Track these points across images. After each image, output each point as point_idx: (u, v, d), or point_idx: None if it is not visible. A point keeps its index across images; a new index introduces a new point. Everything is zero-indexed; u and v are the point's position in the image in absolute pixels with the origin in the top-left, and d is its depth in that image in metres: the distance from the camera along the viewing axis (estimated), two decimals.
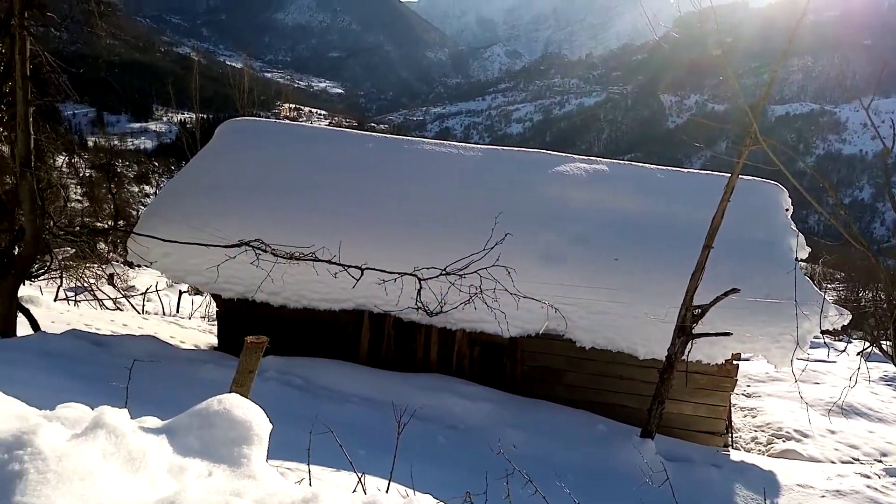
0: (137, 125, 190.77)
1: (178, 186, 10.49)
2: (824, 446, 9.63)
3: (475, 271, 7.24)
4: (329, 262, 7.55)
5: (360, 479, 3.06)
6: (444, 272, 7.34)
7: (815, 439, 9.83)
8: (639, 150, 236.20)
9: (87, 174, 40.25)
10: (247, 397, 2.40)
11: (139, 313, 17.12)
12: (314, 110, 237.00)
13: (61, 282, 18.79)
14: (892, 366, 10.39)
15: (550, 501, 3.83)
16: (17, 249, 8.81)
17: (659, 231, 9.18)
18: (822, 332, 9.48)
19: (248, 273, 8.29)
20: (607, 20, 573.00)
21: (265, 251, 7.80)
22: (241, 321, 9.67)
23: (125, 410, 1.85)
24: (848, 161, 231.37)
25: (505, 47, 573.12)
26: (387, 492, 3.86)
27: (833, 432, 10.07)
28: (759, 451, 9.75)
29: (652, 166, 10.76)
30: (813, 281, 9.61)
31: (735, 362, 8.83)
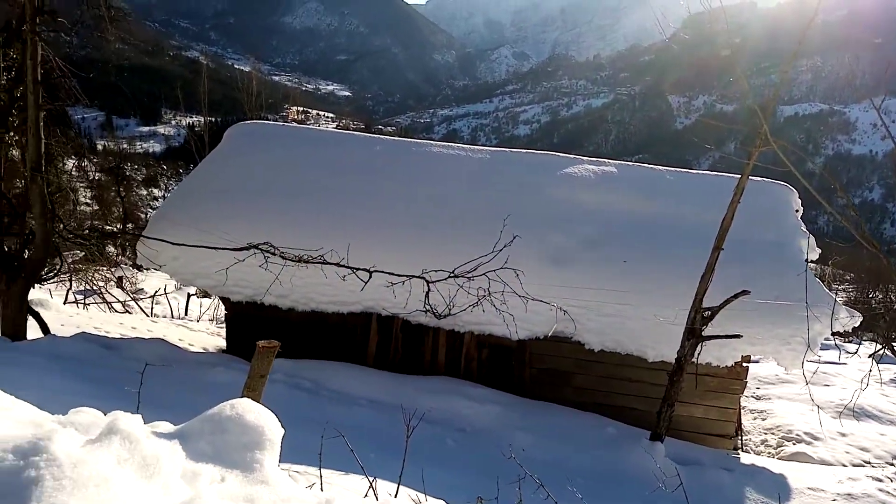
0: (146, 129, 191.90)
1: (188, 190, 10.54)
2: (835, 449, 9.56)
3: (483, 273, 7.23)
4: (337, 264, 7.55)
5: (371, 484, 3.05)
6: (452, 274, 7.32)
7: (825, 442, 9.76)
8: (647, 151, 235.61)
9: (97, 177, 40.46)
10: (258, 402, 2.40)
11: (148, 316, 17.19)
12: (322, 113, 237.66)
13: (70, 285, 18.89)
14: None
15: None
16: (26, 253, 8.86)
17: (668, 233, 9.15)
18: (833, 334, 9.42)
19: (257, 276, 8.31)
20: (615, 21, 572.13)
21: (274, 254, 7.82)
22: (249, 324, 9.69)
23: (139, 416, 1.85)
24: (858, 161, 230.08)
25: (512, 49, 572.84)
26: (396, 495, 3.85)
27: (844, 435, 9.98)
28: (770, 453, 9.68)
29: (661, 168, 10.73)
30: (822, 282, 9.55)
31: (745, 364, 8.78)
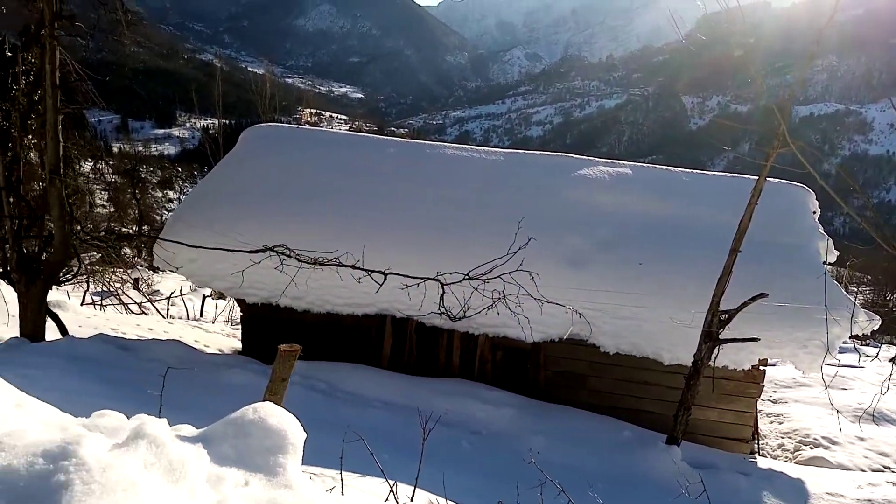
0: (161, 131, 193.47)
1: (204, 192, 10.60)
2: (853, 454, 9.45)
3: (499, 276, 7.21)
4: (353, 266, 7.56)
5: (392, 488, 3.05)
6: (467, 277, 7.30)
7: (843, 446, 9.65)
8: (660, 151, 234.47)
9: (113, 180, 40.83)
10: (280, 405, 2.41)
11: (164, 317, 17.32)
12: (335, 115, 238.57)
13: (88, 286, 19.07)
14: None
15: None
16: (45, 255, 8.95)
17: (684, 235, 9.09)
18: (851, 337, 9.33)
19: (273, 278, 8.34)
20: (627, 22, 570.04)
21: (289, 256, 7.84)
22: (265, 326, 9.74)
23: (164, 420, 1.87)
24: (874, 162, 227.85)
25: (525, 50, 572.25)
26: (412, 498, 3.85)
27: (862, 439, 9.87)
28: (786, 458, 9.59)
29: (676, 169, 10.66)
30: (839, 284, 9.46)
31: (762, 368, 8.71)
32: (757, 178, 7.10)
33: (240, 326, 12.52)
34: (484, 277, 7.20)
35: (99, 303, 18.15)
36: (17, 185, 9.09)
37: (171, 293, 21.66)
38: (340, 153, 10.70)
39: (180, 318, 18.42)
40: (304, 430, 2.25)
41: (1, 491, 1.34)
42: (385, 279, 7.39)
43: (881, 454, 9.46)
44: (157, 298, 20.97)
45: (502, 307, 7.43)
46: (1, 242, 9.30)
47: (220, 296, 19.15)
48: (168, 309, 19.80)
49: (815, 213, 9.72)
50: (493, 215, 9.25)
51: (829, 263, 9.35)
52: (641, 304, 8.42)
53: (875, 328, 8.35)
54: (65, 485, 1.40)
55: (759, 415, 10.33)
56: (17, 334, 8.60)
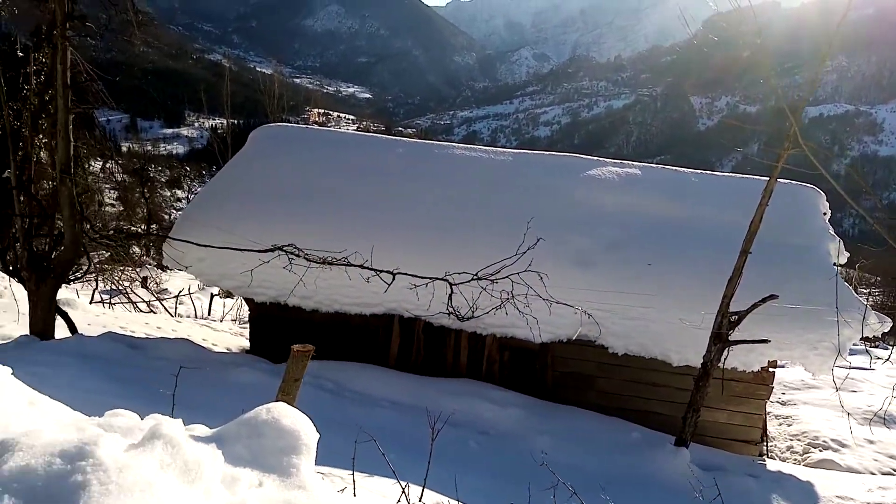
0: (170, 131, 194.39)
1: (213, 191, 10.64)
2: (863, 457, 9.38)
3: (507, 276, 7.20)
4: (361, 266, 7.57)
5: (403, 490, 3.04)
6: (475, 277, 7.31)
7: (853, 449, 9.58)
8: (669, 152, 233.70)
9: (122, 179, 41.06)
10: (293, 405, 2.41)
11: (172, 316, 17.38)
12: (343, 115, 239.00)
13: (97, 285, 19.18)
14: None
15: None
16: (55, 253, 9.00)
17: (693, 236, 9.06)
18: (861, 339, 9.28)
19: (281, 277, 8.36)
20: (636, 22, 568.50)
21: (298, 256, 7.86)
22: (273, 325, 9.76)
23: (180, 420, 1.87)
24: (885, 163, 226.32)
25: (532, 50, 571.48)
26: (421, 499, 3.85)
27: (872, 442, 9.80)
28: (795, 460, 9.54)
29: (685, 170, 10.63)
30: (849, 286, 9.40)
31: (771, 370, 8.67)
32: (765, 178, 7.06)
33: (247, 325, 12.56)
34: (492, 277, 7.20)
35: (108, 301, 18.24)
36: (29, 184, 9.15)
37: (180, 292, 21.74)
38: (349, 153, 10.71)
39: (188, 316, 18.49)
40: (317, 431, 2.26)
41: (19, 491, 1.35)
42: (394, 279, 7.40)
43: (891, 457, 9.39)
44: (166, 297, 21.06)
45: (510, 307, 7.42)
46: (12, 241, 9.36)
47: (228, 294, 19.20)
48: (176, 307, 19.87)
49: (825, 214, 9.67)
50: (502, 215, 9.25)
51: (840, 265, 9.30)
52: (650, 305, 8.39)
53: (886, 330, 8.30)
54: (82, 485, 1.41)
55: (767, 416, 10.28)
56: (27, 332, 8.66)
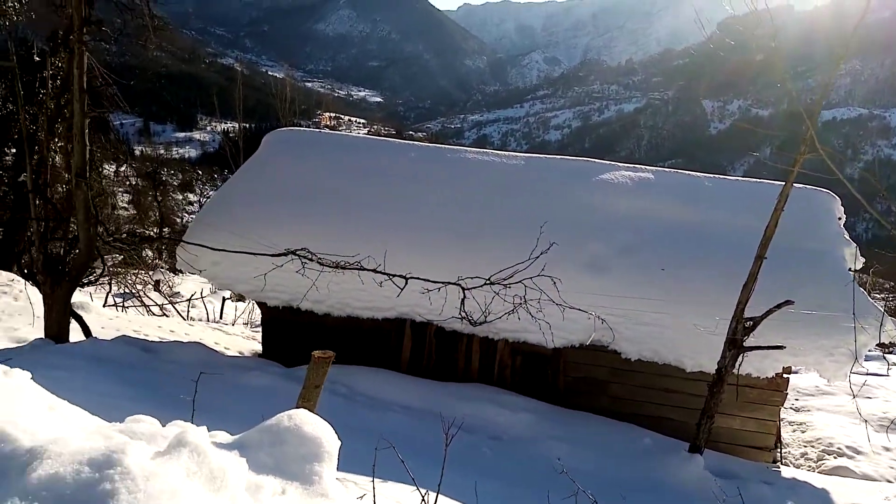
0: (182, 134, 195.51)
1: (226, 195, 10.69)
2: (878, 464, 9.28)
3: (520, 281, 7.19)
4: (374, 270, 7.58)
5: (423, 497, 3.02)
6: (488, 282, 7.30)
7: (868, 456, 9.49)
8: (680, 156, 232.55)
9: (135, 182, 41.37)
10: (313, 412, 2.41)
11: (185, 319, 17.48)
12: (354, 119, 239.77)
13: (110, 288, 19.32)
14: None
15: None
16: (70, 257, 9.06)
17: (707, 240, 9.01)
18: (877, 345, 9.19)
19: (294, 281, 8.38)
20: (647, 25, 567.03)
21: (311, 260, 7.88)
22: (285, 329, 9.78)
23: (204, 428, 1.87)
24: None
25: (543, 54, 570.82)
26: None
27: (888, 449, 9.69)
28: (810, 467, 9.46)
29: (699, 174, 10.57)
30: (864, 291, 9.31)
31: (785, 376, 8.59)
32: (779, 183, 7.01)
33: (259, 329, 12.60)
34: (505, 282, 7.19)
35: (121, 304, 18.37)
36: (44, 187, 9.23)
37: (192, 295, 21.86)
38: (361, 157, 10.74)
39: (200, 320, 18.58)
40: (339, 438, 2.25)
41: (48, 499, 1.35)
42: (406, 283, 7.41)
43: None
44: (178, 300, 21.18)
45: (523, 312, 7.41)
46: (27, 244, 9.43)
47: (240, 298, 19.29)
48: (188, 311, 19.98)
49: (840, 219, 9.59)
50: (515, 220, 9.23)
51: (855, 270, 9.22)
52: (663, 311, 8.35)
53: None
54: (111, 493, 1.41)
55: (781, 423, 10.20)
56: (42, 335, 8.72)
